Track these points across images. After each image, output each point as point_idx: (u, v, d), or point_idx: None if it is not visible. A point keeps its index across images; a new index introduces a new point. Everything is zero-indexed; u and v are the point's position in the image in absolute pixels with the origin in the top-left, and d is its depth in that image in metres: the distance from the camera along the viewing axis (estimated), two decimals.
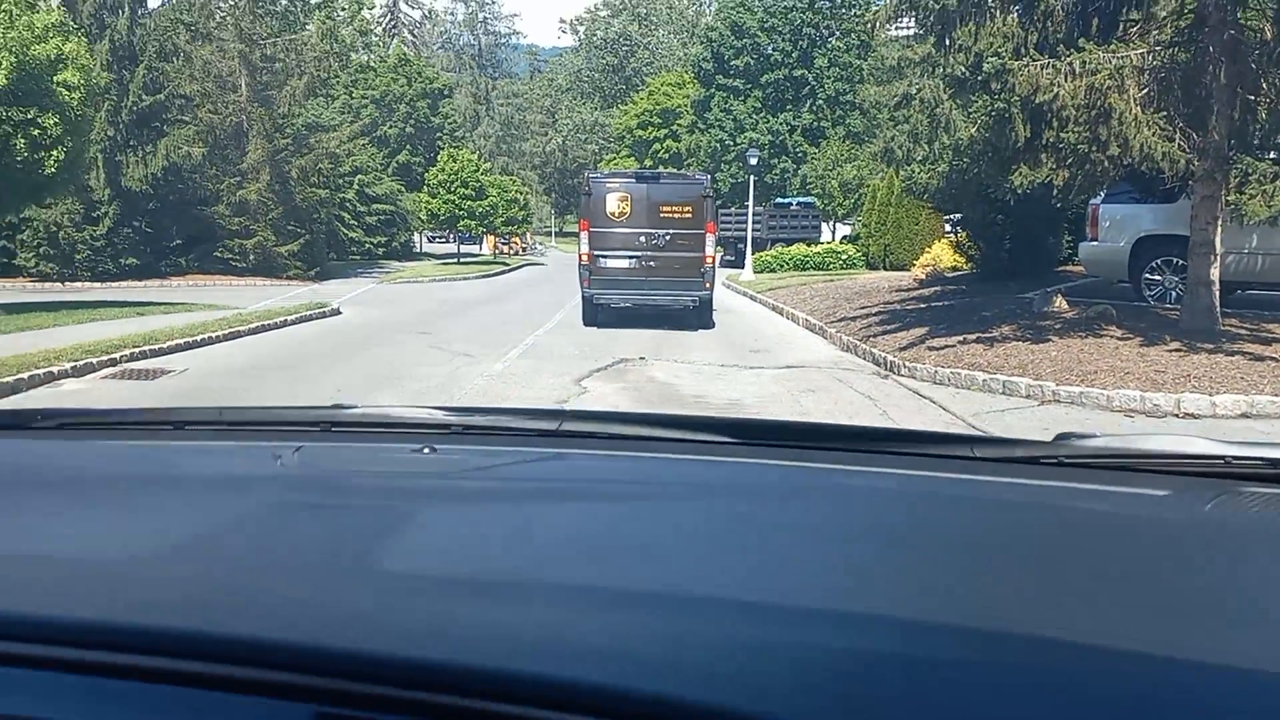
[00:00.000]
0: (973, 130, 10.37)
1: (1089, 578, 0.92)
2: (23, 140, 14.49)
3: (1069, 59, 9.06)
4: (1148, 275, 12.28)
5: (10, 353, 9.84)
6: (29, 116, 14.48)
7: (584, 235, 14.07)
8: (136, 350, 10.47)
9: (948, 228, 22.23)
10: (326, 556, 0.94)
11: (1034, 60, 9.22)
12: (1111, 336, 9.93)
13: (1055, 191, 10.06)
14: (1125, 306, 11.38)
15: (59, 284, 25.21)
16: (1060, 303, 11.68)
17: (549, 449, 1.36)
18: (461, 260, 38.34)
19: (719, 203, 26.40)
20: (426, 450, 1.30)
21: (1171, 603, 0.86)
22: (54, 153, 14.90)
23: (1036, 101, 9.09)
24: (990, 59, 9.26)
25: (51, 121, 14.68)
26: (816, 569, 0.93)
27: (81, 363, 9.53)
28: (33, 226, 25.15)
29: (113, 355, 10.05)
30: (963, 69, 10.01)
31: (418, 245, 48.39)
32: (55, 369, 9.13)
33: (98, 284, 25.20)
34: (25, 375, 8.72)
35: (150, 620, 0.76)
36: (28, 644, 0.74)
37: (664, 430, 1.40)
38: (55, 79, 14.71)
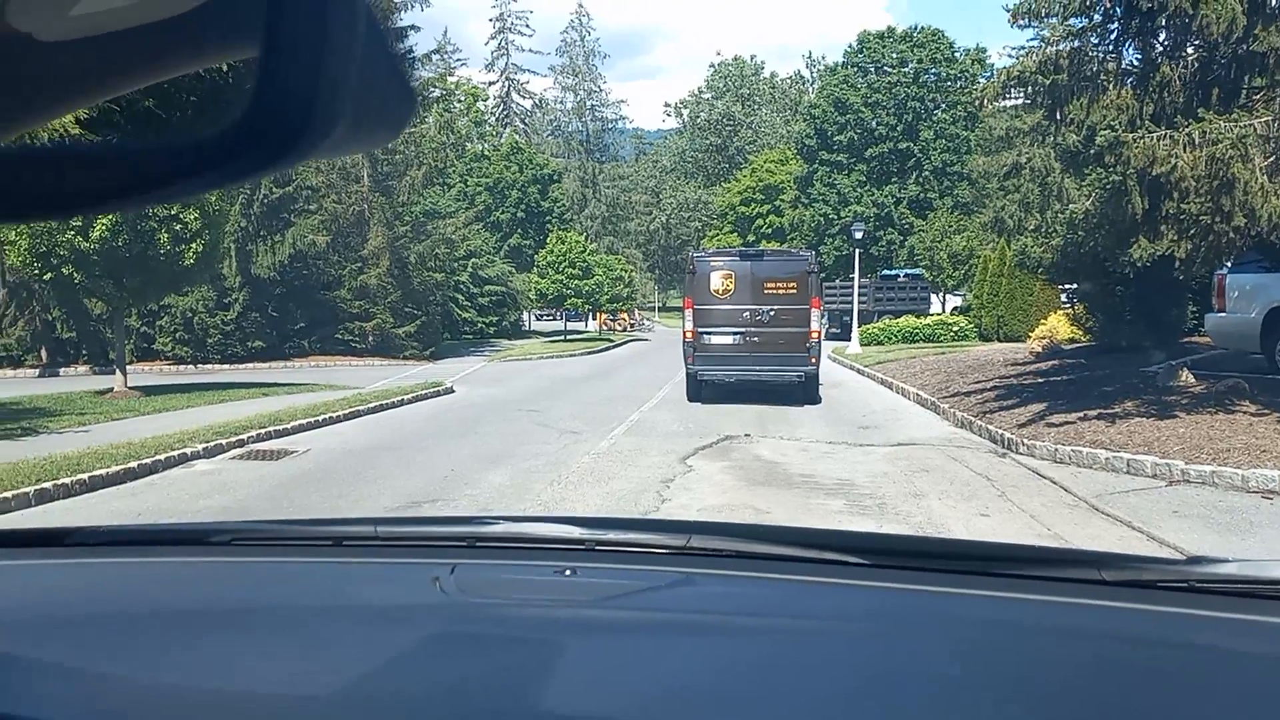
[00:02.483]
0: (1087, 203, 10.16)
1: None
2: (166, 235, 15.55)
3: (1187, 129, 8.82)
4: None
5: (150, 434, 10.44)
6: (172, 213, 15.55)
7: (688, 312, 14.19)
8: (262, 431, 10.97)
9: (1064, 298, 21.63)
10: (493, 696, 1.00)
11: (1150, 132, 9.02)
12: (1245, 412, 9.43)
13: (1177, 263, 9.70)
14: (1258, 380, 10.81)
15: (192, 366, 26.68)
16: (1186, 376, 11.17)
17: (680, 569, 1.41)
18: (568, 337, 39.06)
19: (823, 276, 26.33)
20: (568, 572, 1.37)
21: None
22: (193, 245, 15.94)
23: (1154, 173, 8.86)
24: (1103, 132, 9.10)
25: (192, 217, 15.74)
26: (953, 715, 0.93)
27: (212, 444, 10.02)
28: (170, 313, 26.79)
29: (240, 436, 10.54)
30: (1075, 141, 9.84)
31: (526, 323, 49.56)
32: (189, 450, 9.63)
33: (227, 366, 26.57)
34: (162, 456, 9.22)
35: None
36: None
37: (791, 548, 1.42)
38: None
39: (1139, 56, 10.46)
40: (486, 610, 1.29)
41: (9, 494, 7.38)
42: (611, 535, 1.52)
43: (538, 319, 55.13)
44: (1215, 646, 1.12)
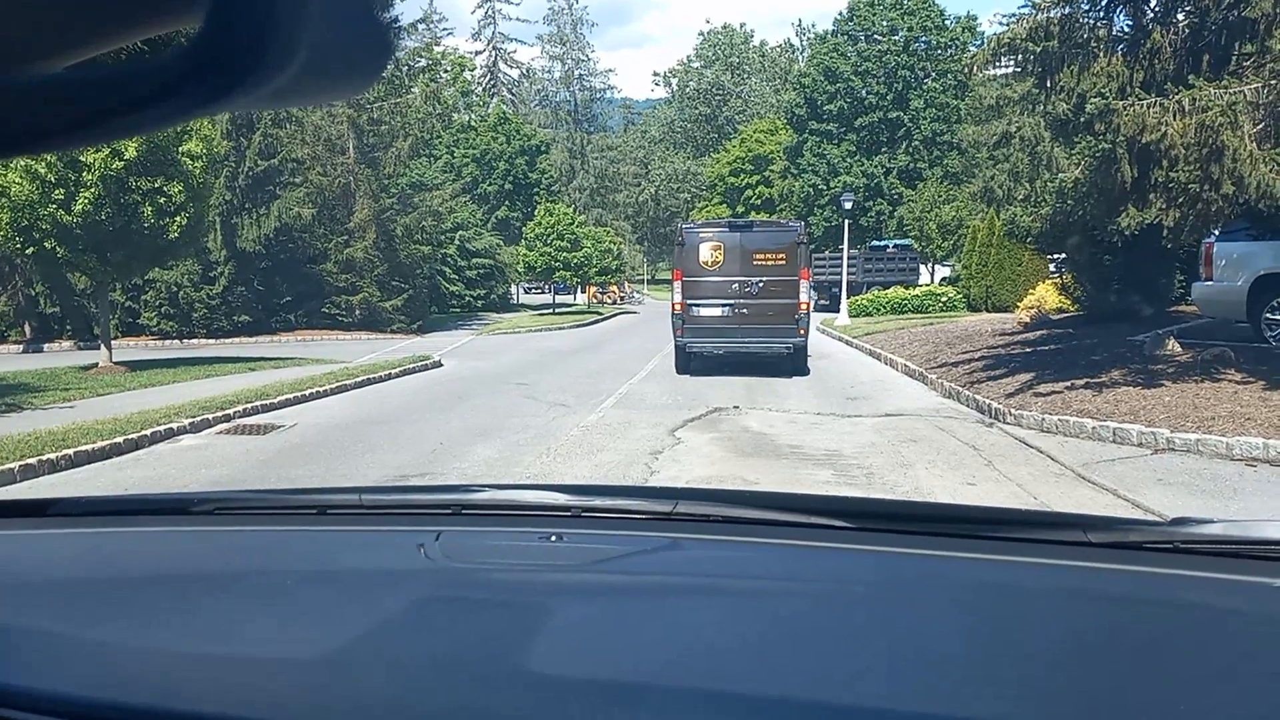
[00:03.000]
0: (1076, 172, 10.13)
1: (1202, 680, 0.90)
2: (150, 208, 15.39)
3: (1177, 97, 8.78)
4: (1268, 315, 11.69)
5: (135, 409, 10.38)
6: (156, 185, 15.40)
7: (677, 284, 14.15)
8: (249, 406, 10.91)
9: (1052, 268, 21.66)
10: (480, 660, 0.99)
11: (1140, 99, 8.97)
12: (1230, 380, 9.47)
13: (1165, 231, 9.70)
14: (1244, 348, 10.85)
15: (178, 341, 26.53)
16: (1173, 345, 11.20)
17: (667, 534, 1.40)
18: (557, 310, 38.98)
19: (813, 247, 26.30)
20: (554, 538, 1.36)
21: None
22: (178, 218, 15.79)
23: (1143, 141, 8.82)
24: (1094, 99, 9.05)
25: (176, 189, 15.58)
26: (943, 676, 0.93)
27: (199, 418, 9.97)
28: (155, 287, 26.62)
29: (227, 411, 10.49)
30: (1065, 109, 9.79)
31: (515, 297, 49.42)
32: (175, 425, 9.58)
33: (213, 340, 26.44)
34: (148, 431, 9.17)
35: None
36: None
37: (776, 513, 1.41)
38: (180, 149, 15.64)
39: (1130, 23, 10.40)
40: (473, 575, 1.29)
41: None
42: (598, 502, 1.51)
43: (526, 292, 55.01)
44: (1201, 605, 1.13)
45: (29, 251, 15.58)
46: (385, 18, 0.40)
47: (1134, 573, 1.20)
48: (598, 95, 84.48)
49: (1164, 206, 9.31)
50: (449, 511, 1.53)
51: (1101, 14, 10.35)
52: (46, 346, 25.63)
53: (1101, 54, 9.81)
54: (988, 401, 10.23)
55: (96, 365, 16.46)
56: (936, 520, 1.45)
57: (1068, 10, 10.19)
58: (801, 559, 1.32)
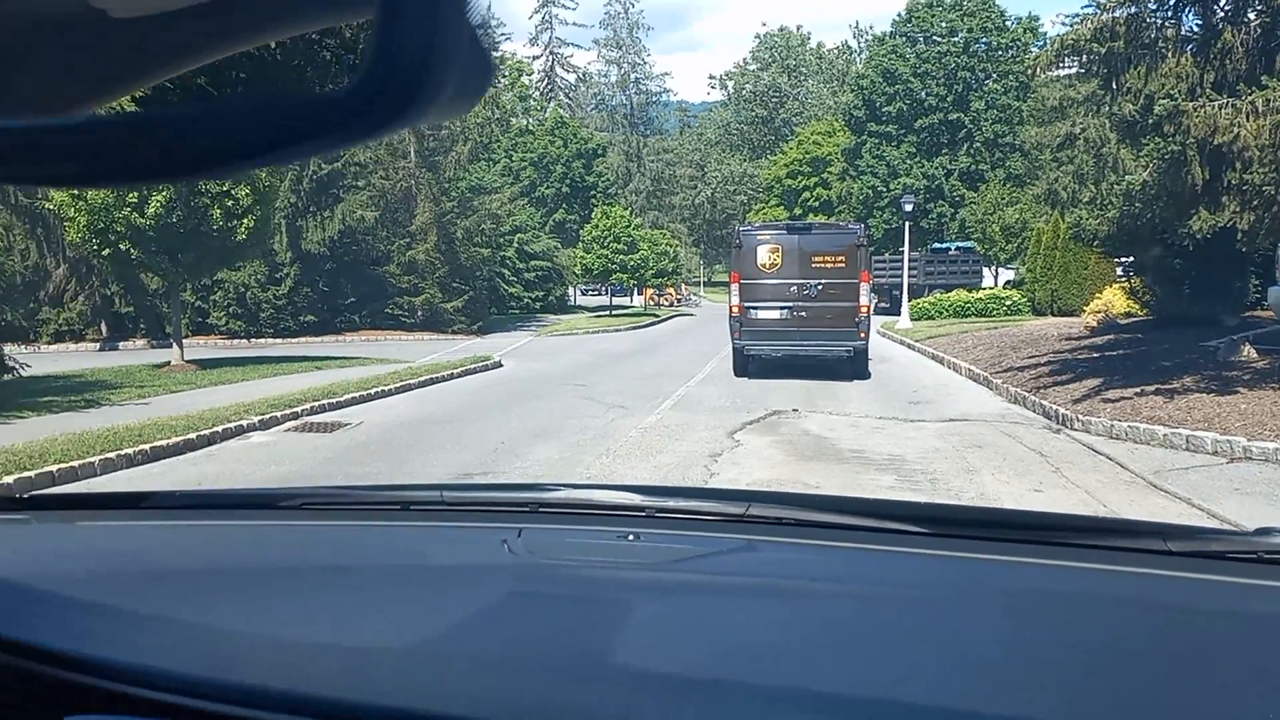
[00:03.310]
0: (1145, 174, 9.92)
1: None
2: (219, 211, 15.81)
3: (1250, 98, 8.56)
4: None
5: (207, 406, 10.67)
6: (225, 189, 15.81)
7: (734, 287, 14.11)
8: (315, 404, 11.15)
9: (1120, 272, 21.19)
10: (566, 652, 1.02)
11: (1211, 100, 8.76)
12: None
13: (1239, 235, 9.45)
14: None
15: (245, 340, 27.17)
16: (1249, 351, 10.91)
17: (740, 535, 1.42)
18: (613, 312, 39.11)
19: (872, 249, 26.01)
20: (630, 537, 1.39)
21: None
22: (245, 221, 16.19)
23: (1215, 143, 8.62)
24: (1162, 100, 8.86)
25: (243, 193, 15.98)
26: (1022, 681, 0.94)
27: (267, 416, 10.22)
28: (224, 288, 27.31)
29: (294, 409, 10.73)
30: (1132, 111, 9.60)
31: (571, 298, 49.68)
32: (245, 422, 9.83)
33: (279, 340, 27.00)
34: (219, 428, 9.43)
35: (422, 706, 0.86)
36: None
37: (849, 517, 1.42)
38: None
39: (1199, 23, 10.15)
40: (555, 571, 1.32)
41: (76, 463, 7.60)
42: (671, 503, 1.53)
43: (583, 294, 55.24)
44: None
45: (105, 253, 16.09)
46: (490, 41, 0.44)
47: (1216, 583, 1.17)
48: (654, 98, 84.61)
49: (1238, 209, 9.09)
50: (527, 509, 1.56)
51: (1170, 14, 10.12)
52: (121, 345, 26.41)
53: (1170, 54, 9.60)
54: (1054, 407, 10.05)
55: (169, 363, 16.93)
56: (1013, 526, 1.45)
57: (1134, 10, 9.98)
58: (877, 562, 1.33)
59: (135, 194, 15.08)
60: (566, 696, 0.90)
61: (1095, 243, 17.93)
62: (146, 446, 8.40)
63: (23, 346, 23.07)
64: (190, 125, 0.42)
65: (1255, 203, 9.02)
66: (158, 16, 0.50)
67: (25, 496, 1.77)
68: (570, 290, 48.94)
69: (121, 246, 15.62)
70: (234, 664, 0.97)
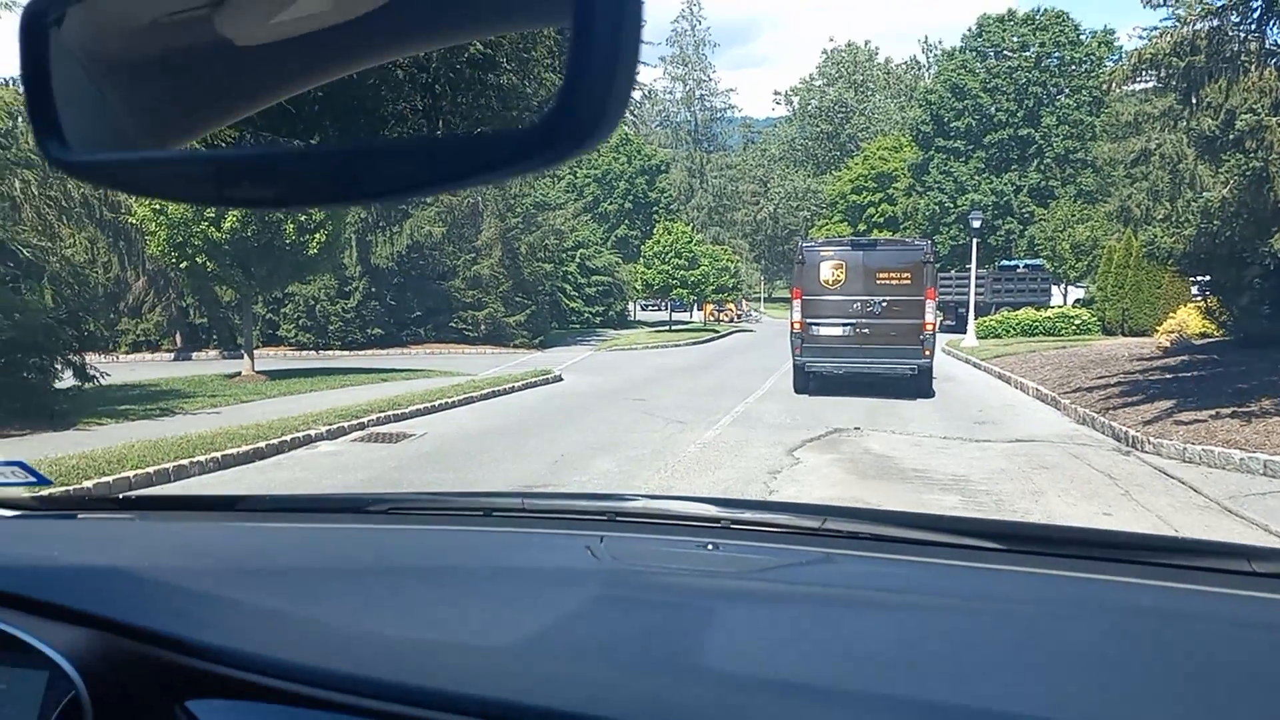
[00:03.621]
0: (1224, 191, 9.65)
1: None
2: (291, 225, 16.24)
3: None
4: None
5: (276, 416, 10.94)
6: None
7: (796, 303, 14.04)
8: (381, 415, 11.35)
9: (1194, 291, 20.60)
10: (654, 654, 1.04)
11: None
12: None
13: None
14: None
15: (314, 352, 27.80)
16: None
17: (818, 548, 1.43)
18: (673, 328, 39.15)
19: (938, 266, 25.65)
20: (710, 547, 1.41)
21: None
22: (317, 236, 16.61)
23: None
24: (1244, 115, 8.62)
25: (316, 209, 16.37)
26: (1097, 696, 0.93)
27: (335, 426, 10.43)
28: (294, 301, 27.99)
29: (361, 420, 10.94)
30: (1211, 126, 9.36)
31: (632, 314, 49.86)
32: (313, 432, 10.05)
33: (346, 352, 27.57)
34: (288, 437, 9.65)
35: (528, 700, 0.89)
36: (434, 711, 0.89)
37: (926, 532, 1.42)
38: None
39: None
40: (639, 577, 1.34)
41: (151, 469, 7.85)
42: (747, 515, 1.55)
43: (643, 309, 55.43)
44: None
45: (182, 266, 16.63)
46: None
47: None
48: (718, 115, 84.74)
49: None
50: (605, 518, 1.59)
51: (1253, 27, 9.85)
52: (194, 355, 27.23)
53: (1253, 68, 9.35)
54: (1124, 429, 9.80)
55: (240, 374, 17.40)
56: (1090, 545, 1.42)
57: (1216, 23, 9.75)
58: (954, 577, 1.33)
59: (213, 209, 15.57)
60: (667, 693, 0.92)
61: (1170, 261, 17.47)
62: (218, 454, 8.64)
63: (102, 356, 23.87)
64: (397, 156, 0.47)
65: None
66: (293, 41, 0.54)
67: (130, 497, 1.85)
68: (630, 305, 49.13)
69: (198, 260, 16.13)
70: (344, 655, 1.00)
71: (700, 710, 0.88)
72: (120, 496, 1.82)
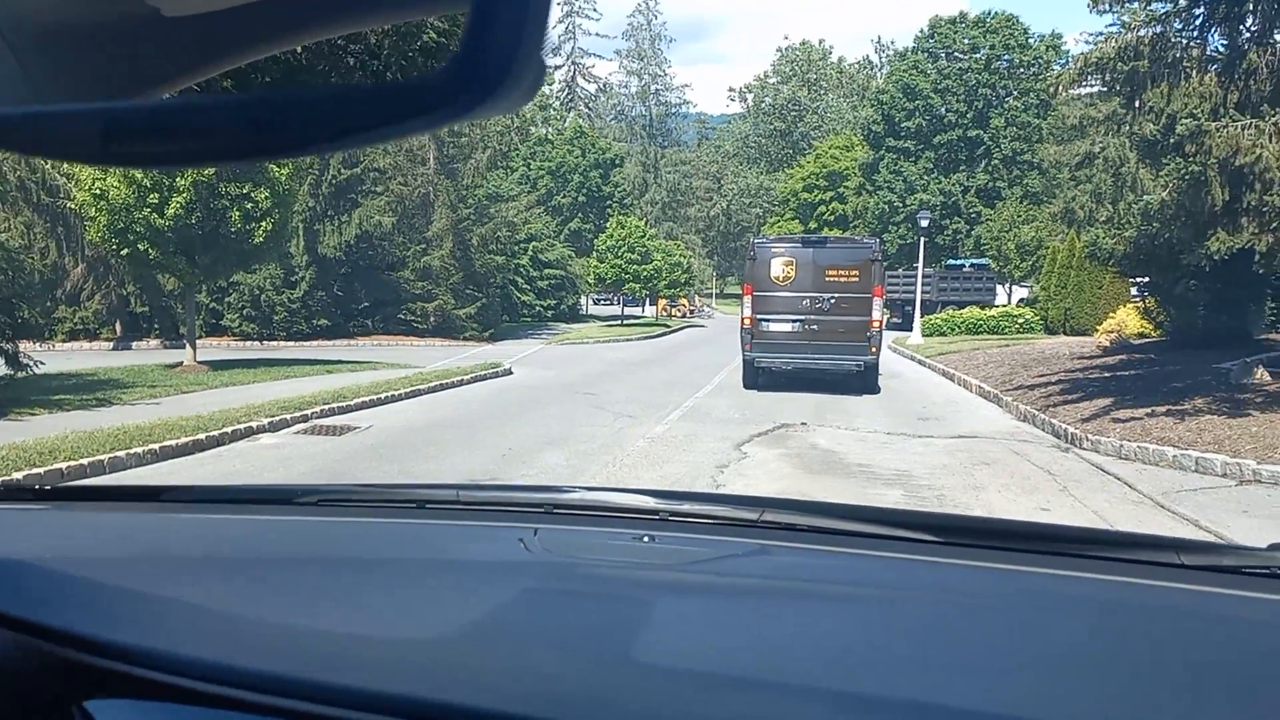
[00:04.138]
0: (1164, 194, 9.87)
1: None
2: (238, 213, 15.92)
3: (1274, 118, 8.52)
4: None
5: (217, 407, 10.72)
6: (244, 191, 15.93)
7: (747, 299, 14.11)
8: (326, 408, 11.18)
9: (1134, 292, 21.10)
10: (587, 646, 1.03)
11: (1234, 121, 8.72)
12: None
13: (1257, 257, 9.39)
14: None
15: (258, 342, 27.32)
16: (1262, 374, 10.82)
17: (754, 540, 1.42)
18: (625, 322, 39.15)
19: (886, 264, 25.97)
20: (646, 539, 1.39)
21: None
22: (263, 224, 16.30)
23: (1236, 164, 8.58)
24: (1184, 120, 8.82)
25: (263, 196, 16.08)
26: (1026, 685, 0.94)
27: (277, 418, 10.25)
28: (239, 290, 27.48)
29: (304, 412, 10.77)
30: (1153, 130, 9.56)
31: (584, 308, 49.77)
32: (255, 424, 9.87)
33: (292, 342, 27.13)
34: (229, 429, 9.47)
35: (453, 698, 0.86)
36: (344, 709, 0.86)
37: (863, 524, 1.42)
38: None
39: (1224, 43, 10.11)
40: (572, 569, 1.33)
41: (85, 461, 7.65)
42: (685, 507, 1.54)
43: (595, 303, 55.33)
44: None
45: (124, 253, 16.22)
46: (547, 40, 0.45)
47: (1228, 596, 1.17)
48: (673, 110, 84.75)
49: (1256, 231, 9.03)
50: (542, 510, 1.57)
51: (1195, 34, 10.08)
52: (135, 345, 26.60)
53: (1194, 74, 9.57)
54: (1064, 426, 9.99)
55: (181, 364, 17.04)
56: (1024, 537, 1.44)
57: (1159, 29, 9.96)
58: (889, 569, 1.33)
59: (156, 195, 15.22)
60: (595, 687, 0.91)
61: (1111, 262, 17.85)
62: (155, 446, 8.44)
63: (37, 344, 23.26)
64: (287, 108, 0.44)
65: (1275, 224, 8.96)
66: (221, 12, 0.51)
67: (47, 488, 1.78)
68: (583, 299, 49.03)
69: (140, 247, 15.75)
70: (254, 650, 0.97)
71: (628, 704, 0.86)
72: (38, 487, 1.76)
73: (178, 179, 15.14)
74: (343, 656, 0.97)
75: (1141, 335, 17.75)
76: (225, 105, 0.49)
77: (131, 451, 8.15)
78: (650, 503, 1.54)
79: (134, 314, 27.74)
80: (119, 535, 1.49)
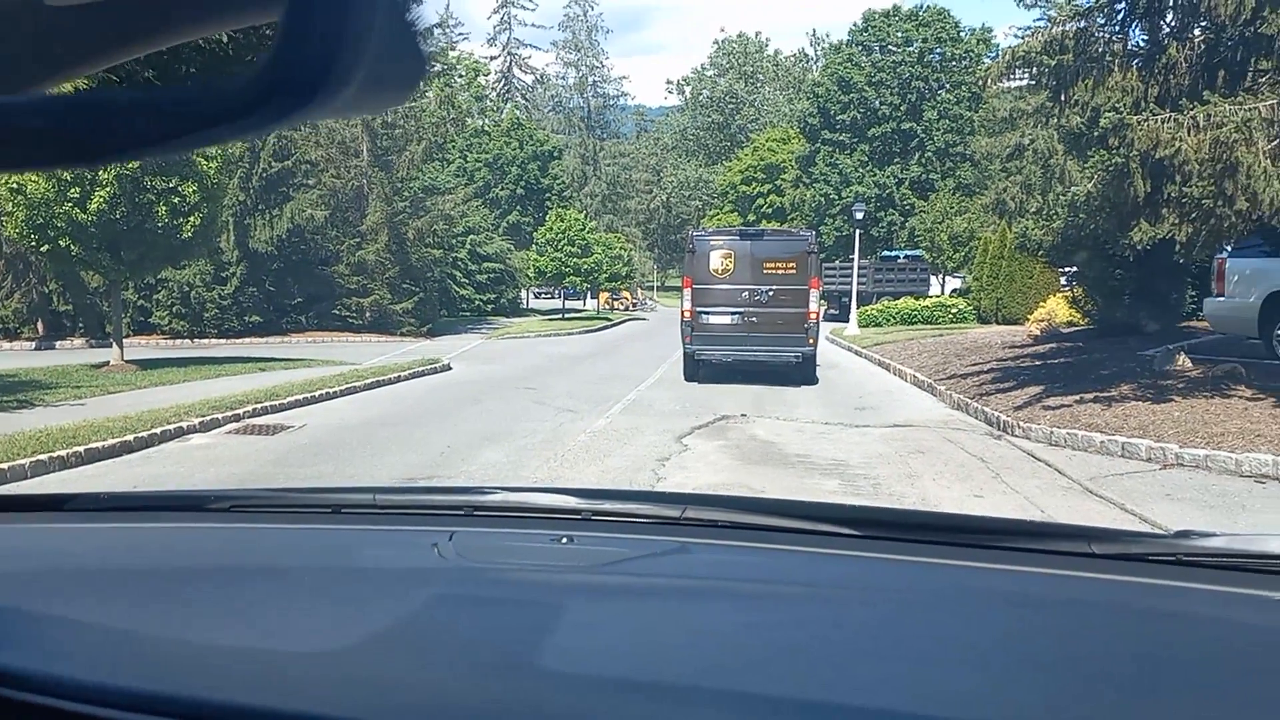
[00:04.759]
0: (1089, 185, 10.10)
1: (1202, 689, 0.92)
2: (164, 207, 15.49)
3: (1192, 112, 8.76)
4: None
5: (145, 408, 10.43)
6: (171, 185, 15.50)
7: (687, 292, 14.16)
8: (259, 406, 10.95)
9: (1063, 282, 21.62)
10: (495, 654, 1.00)
11: (1154, 114, 8.95)
12: (1240, 396, 9.43)
13: (1178, 247, 9.67)
14: (1255, 365, 10.81)
15: (189, 340, 26.65)
16: (1183, 361, 11.17)
17: (676, 538, 1.42)
18: (566, 316, 39.03)
19: (823, 256, 26.28)
20: (564, 540, 1.38)
21: None
22: (191, 219, 15.88)
23: (1157, 156, 8.80)
24: (1108, 113, 9.04)
25: (190, 189, 15.67)
26: (943, 679, 0.94)
27: (208, 418, 10.01)
28: (168, 287, 26.75)
29: (236, 411, 10.53)
30: (1079, 123, 9.78)
31: (524, 301, 49.50)
32: (185, 424, 9.62)
33: (224, 340, 26.53)
34: (158, 430, 9.22)
35: (349, 714, 0.83)
36: None
37: (784, 519, 1.42)
38: (196, 150, 15.71)
39: (1145, 38, 10.38)
40: (485, 574, 1.31)
41: (4, 466, 7.38)
42: (608, 505, 1.53)
43: (536, 297, 55.06)
44: (1202, 617, 1.13)
45: (44, 249, 15.68)
46: (421, 27, 0.43)
47: (1137, 584, 1.20)
48: (611, 102, 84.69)
49: (1177, 221, 9.29)
50: (461, 512, 1.55)
51: (1117, 29, 10.33)
52: (59, 344, 25.76)
53: (1116, 68, 9.80)
54: (996, 414, 10.21)
55: (108, 364, 16.54)
56: (943, 529, 1.46)
57: (1083, 24, 10.18)
58: (808, 564, 1.33)
59: (77, 189, 14.73)
60: (499, 694, 0.89)
61: (1040, 252, 18.26)
62: (80, 448, 8.18)
63: None
64: (82, 112, 0.41)
65: (1193, 215, 9.22)
66: (94, 6, 0.48)
67: None
68: (523, 293, 48.76)
69: (61, 243, 15.24)
70: (149, 670, 0.94)
71: (541, 710, 0.85)
72: None
73: (100, 172, 14.68)
74: (236, 671, 0.93)
75: (1070, 324, 18.20)
76: (22, 109, 0.45)
77: (55, 455, 7.88)
78: (572, 502, 1.53)
79: (56, 312, 26.86)
80: (17, 549, 1.44)
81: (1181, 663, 0.99)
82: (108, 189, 14.82)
